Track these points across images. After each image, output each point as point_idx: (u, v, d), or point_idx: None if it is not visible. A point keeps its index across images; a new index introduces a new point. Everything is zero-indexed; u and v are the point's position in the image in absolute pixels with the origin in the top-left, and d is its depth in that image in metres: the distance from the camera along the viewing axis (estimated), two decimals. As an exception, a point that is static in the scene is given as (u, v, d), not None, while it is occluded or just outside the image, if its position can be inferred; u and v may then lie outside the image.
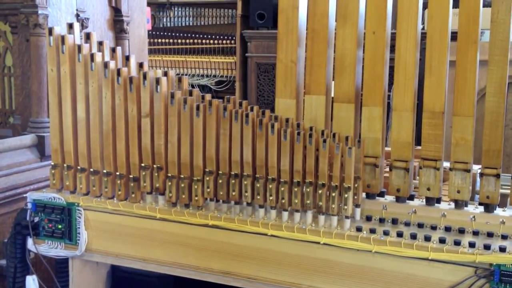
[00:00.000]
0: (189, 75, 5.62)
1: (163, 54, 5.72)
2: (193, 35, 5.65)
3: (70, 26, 1.95)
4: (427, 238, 1.61)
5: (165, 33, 5.73)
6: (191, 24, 5.98)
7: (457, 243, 1.58)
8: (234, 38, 5.44)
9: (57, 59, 1.94)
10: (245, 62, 5.38)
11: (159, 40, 5.70)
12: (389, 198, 1.84)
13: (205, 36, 5.61)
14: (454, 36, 1.73)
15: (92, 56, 1.89)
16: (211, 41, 5.58)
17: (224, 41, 5.55)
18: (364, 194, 1.82)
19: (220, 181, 1.81)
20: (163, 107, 1.85)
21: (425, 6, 1.76)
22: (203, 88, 5.59)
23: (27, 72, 2.75)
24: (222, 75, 5.58)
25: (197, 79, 5.62)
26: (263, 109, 1.85)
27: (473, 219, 1.68)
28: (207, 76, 5.63)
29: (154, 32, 5.71)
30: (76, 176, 1.97)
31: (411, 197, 1.83)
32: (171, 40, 5.69)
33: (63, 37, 1.91)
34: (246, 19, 5.34)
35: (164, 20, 6.06)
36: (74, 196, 1.98)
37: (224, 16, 5.84)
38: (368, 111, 1.82)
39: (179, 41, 5.67)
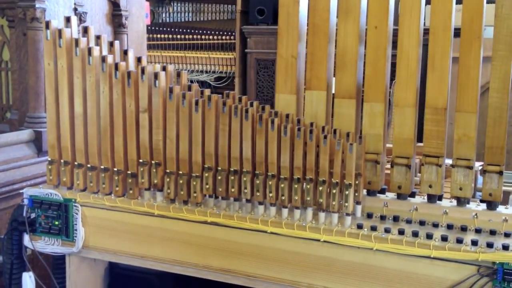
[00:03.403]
0: (188, 70, 5.60)
1: (162, 49, 5.70)
2: (192, 31, 5.62)
3: (68, 19, 1.92)
4: (429, 236, 1.59)
5: (164, 29, 5.70)
6: (190, 19, 5.95)
7: (460, 241, 1.57)
8: (233, 33, 5.42)
9: (54, 53, 1.91)
10: (244, 58, 5.36)
11: (158, 36, 5.68)
12: (390, 195, 1.82)
13: (204, 31, 5.58)
14: (456, 32, 1.71)
15: (89, 50, 1.87)
16: (211, 37, 5.55)
17: (224, 37, 5.52)
18: (365, 191, 1.80)
19: (219, 177, 1.79)
20: (161, 102, 1.83)
21: (428, 2, 1.74)
22: (202, 84, 5.57)
23: (25, 66, 2.72)
24: (222, 71, 5.55)
25: (196, 75, 5.59)
26: (262, 105, 1.83)
27: (475, 216, 1.67)
28: (206, 72, 5.61)
29: (153, 28, 5.68)
30: (73, 172, 1.95)
31: (413, 194, 1.81)
32: (170, 36, 5.67)
33: (60, 31, 1.89)
34: (245, 14, 5.31)
35: (163, 15, 6.03)
36: (71, 192, 1.96)
37: (224, 11, 5.82)
38: (370, 107, 1.80)
39: (178, 36, 5.65)
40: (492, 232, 1.62)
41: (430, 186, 1.75)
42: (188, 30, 5.64)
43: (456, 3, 1.70)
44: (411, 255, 1.58)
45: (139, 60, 1.91)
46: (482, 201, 1.73)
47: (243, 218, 1.75)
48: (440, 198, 1.77)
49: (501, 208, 1.71)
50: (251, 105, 1.79)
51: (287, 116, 1.81)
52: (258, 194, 1.76)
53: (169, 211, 1.83)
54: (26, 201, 1.98)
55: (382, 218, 1.72)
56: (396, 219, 1.71)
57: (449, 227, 1.66)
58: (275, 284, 1.74)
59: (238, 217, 1.76)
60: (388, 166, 1.87)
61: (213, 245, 1.80)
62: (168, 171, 1.84)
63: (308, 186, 1.71)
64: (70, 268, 2.02)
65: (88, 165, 1.93)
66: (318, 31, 1.84)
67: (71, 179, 1.96)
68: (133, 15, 3.35)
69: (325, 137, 1.69)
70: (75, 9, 2.84)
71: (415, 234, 1.61)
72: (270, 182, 1.75)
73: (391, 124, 2.26)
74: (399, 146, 1.78)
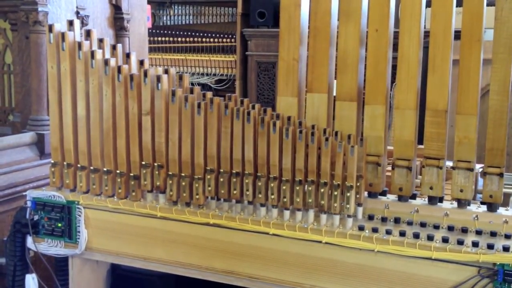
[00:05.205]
0: (189, 73, 5.60)
1: (163, 52, 5.71)
2: (193, 34, 5.63)
3: (70, 23, 1.94)
4: (430, 238, 1.60)
5: (165, 32, 5.71)
6: (191, 22, 5.96)
7: (460, 242, 1.58)
8: (234, 36, 5.42)
9: (57, 56, 1.92)
10: (245, 61, 5.37)
11: (159, 39, 5.69)
12: (391, 197, 1.83)
13: (205, 34, 5.59)
14: (457, 35, 1.72)
15: (92, 54, 1.88)
16: (211, 40, 5.56)
17: (224, 40, 5.53)
18: (366, 193, 1.81)
19: (221, 179, 1.80)
20: (164, 105, 1.84)
21: (428, 4, 1.75)
22: (203, 87, 5.57)
23: (27, 69, 2.73)
24: (222, 74, 5.56)
25: (197, 78, 5.60)
26: (264, 107, 1.84)
27: (476, 218, 1.67)
28: (207, 74, 5.61)
29: (154, 31, 5.69)
30: (76, 174, 1.96)
31: (414, 196, 1.82)
32: (171, 39, 5.67)
33: (63, 34, 1.90)
34: (246, 17, 5.33)
35: (164, 18, 6.04)
36: (74, 194, 1.97)
37: (225, 14, 5.83)
38: (371, 110, 1.81)
39: (179, 39, 5.65)
40: (493, 234, 1.63)
41: (431, 188, 1.76)
42: (189, 33, 5.65)
43: (457, 6, 1.72)
44: (412, 256, 1.59)
45: (141, 63, 1.93)
46: (482, 203, 1.74)
47: (245, 220, 1.76)
48: (441, 200, 1.77)
49: (501, 210, 1.72)
50: (253, 107, 1.81)
51: (289, 118, 1.82)
52: (260, 196, 1.77)
53: (172, 213, 1.84)
54: (29, 203, 1.99)
55: (383, 220, 1.73)
56: (397, 220, 1.72)
57: (450, 228, 1.67)
58: (277, 285, 1.75)
59: (240, 219, 1.77)
60: (389, 168, 1.88)
61: (215, 247, 1.81)
62: (170, 173, 1.85)
63: (310, 188, 1.72)
64: (73, 270, 2.03)
65: (91, 167, 1.95)
66: (319, 34, 1.85)
67: (74, 181, 1.97)
68: (135, 18, 3.36)
69: (327, 139, 1.70)
70: (77, 13, 2.85)
71: (416, 236, 1.61)
72: (272, 184, 1.75)
73: (392, 126, 2.27)
74: (400, 148, 1.79)
